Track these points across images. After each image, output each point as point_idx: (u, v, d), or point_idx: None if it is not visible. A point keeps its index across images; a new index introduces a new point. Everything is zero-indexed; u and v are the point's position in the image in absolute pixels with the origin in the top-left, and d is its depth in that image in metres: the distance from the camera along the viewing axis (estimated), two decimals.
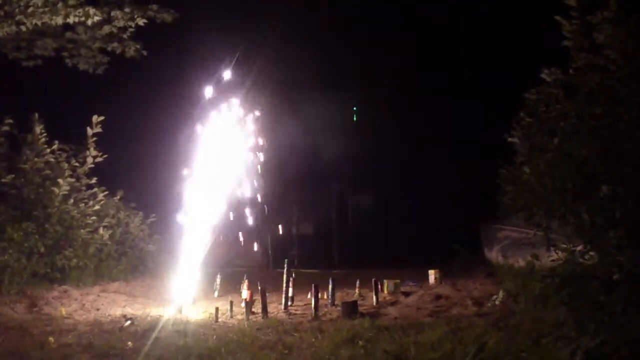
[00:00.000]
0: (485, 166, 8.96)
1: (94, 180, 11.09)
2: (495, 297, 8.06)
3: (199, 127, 9.73)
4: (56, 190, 10.24)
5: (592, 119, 5.63)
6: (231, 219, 10.14)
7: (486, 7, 13.97)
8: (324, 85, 15.21)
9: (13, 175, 10.04)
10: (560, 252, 5.86)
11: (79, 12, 9.58)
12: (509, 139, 7.46)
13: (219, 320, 7.98)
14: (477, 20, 14.48)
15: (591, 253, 5.49)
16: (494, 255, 11.60)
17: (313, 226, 16.49)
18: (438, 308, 8.23)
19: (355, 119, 18.03)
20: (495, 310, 7.53)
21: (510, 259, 10.15)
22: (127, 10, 10.24)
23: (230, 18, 13.60)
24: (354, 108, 17.91)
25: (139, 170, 12.74)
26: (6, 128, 10.39)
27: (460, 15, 14.83)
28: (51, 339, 6.73)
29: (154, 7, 10.52)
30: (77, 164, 10.87)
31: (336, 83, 15.76)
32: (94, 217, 10.85)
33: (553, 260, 6.01)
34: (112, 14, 10.19)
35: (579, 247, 5.60)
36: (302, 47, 13.92)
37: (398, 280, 9.67)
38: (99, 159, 10.96)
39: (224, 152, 9.84)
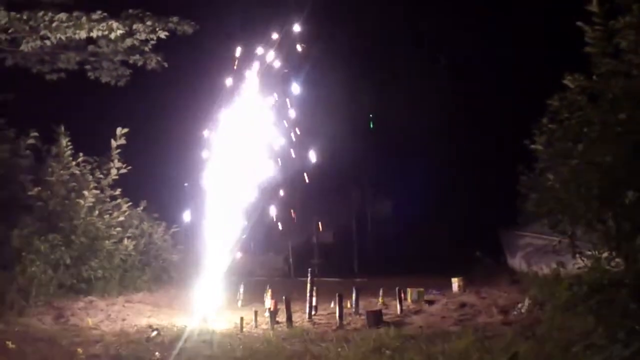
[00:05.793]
0: (505, 173, 8.91)
1: (118, 192, 11.21)
2: (520, 305, 8.01)
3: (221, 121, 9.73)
4: (81, 202, 10.37)
5: (616, 125, 5.59)
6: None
7: (509, 15, 13.94)
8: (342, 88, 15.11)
9: (39, 188, 10.20)
10: (586, 259, 5.83)
11: (103, 26, 9.71)
12: (531, 146, 7.42)
13: (244, 330, 8.02)
14: (501, 27, 14.44)
15: (617, 260, 5.45)
16: (516, 262, 11.52)
17: (333, 234, 16.45)
18: (463, 316, 8.21)
19: (372, 126, 17.96)
20: (521, 319, 7.50)
21: (534, 266, 10.09)
22: (148, 23, 10.34)
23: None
24: (370, 115, 17.85)
25: (161, 181, 12.82)
26: (31, 141, 10.56)
27: (486, 22, 14.79)
28: (79, 349, 6.81)
29: (175, 19, 10.62)
30: (101, 176, 11.00)
31: (354, 87, 15.72)
32: (118, 228, 10.97)
33: (579, 268, 5.97)
34: (134, 27, 10.29)
35: (605, 254, 5.56)
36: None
37: (422, 289, 9.60)
38: (122, 170, 11.09)
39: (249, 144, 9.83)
